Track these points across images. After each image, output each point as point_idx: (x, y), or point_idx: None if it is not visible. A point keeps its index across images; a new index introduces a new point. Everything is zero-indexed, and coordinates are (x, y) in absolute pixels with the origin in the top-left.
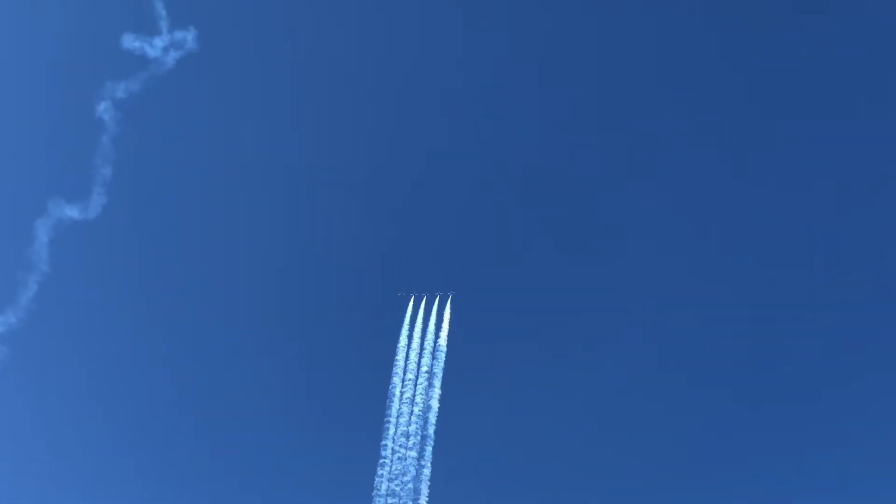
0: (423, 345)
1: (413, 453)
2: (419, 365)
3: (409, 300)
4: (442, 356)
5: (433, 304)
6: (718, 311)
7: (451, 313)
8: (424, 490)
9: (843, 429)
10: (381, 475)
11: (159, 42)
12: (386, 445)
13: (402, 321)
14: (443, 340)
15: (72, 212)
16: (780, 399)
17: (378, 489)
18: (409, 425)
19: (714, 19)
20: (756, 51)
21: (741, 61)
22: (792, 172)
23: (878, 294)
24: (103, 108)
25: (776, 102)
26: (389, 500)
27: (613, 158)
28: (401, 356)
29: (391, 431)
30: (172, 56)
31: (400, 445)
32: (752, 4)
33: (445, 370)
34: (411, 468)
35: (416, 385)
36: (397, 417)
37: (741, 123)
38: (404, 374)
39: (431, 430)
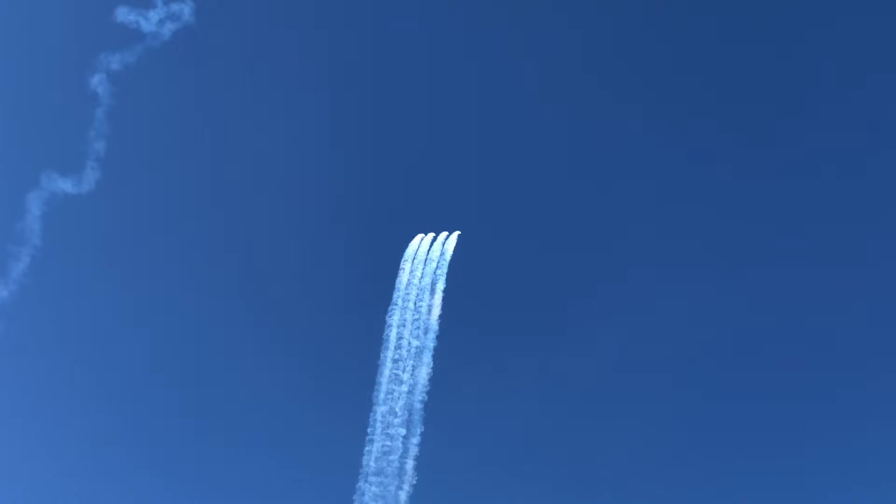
0: (416, 313)
1: (402, 430)
2: (410, 340)
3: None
4: (433, 331)
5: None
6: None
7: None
8: (412, 468)
9: (845, 430)
10: (369, 451)
11: (154, 15)
12: (374, 422)
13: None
14: (434, 317)
15: (65, 185)
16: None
17: (365, 467)
18: (398, 402)
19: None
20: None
21: (740, 61)
22: (791, 171)
23: (877, 295)
24: (97, 81)
25: (774, 102)
26: (376, 479)
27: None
28: (392, 332)
29: (380, 408)
30: (168, 29)
31: (388, 423)
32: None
33: (437, 346)
34: (399, 446)
35: (406, 361)
36: (386, 393)
37: (740, 122)
38: (395, 349)
39: (421, 406)
